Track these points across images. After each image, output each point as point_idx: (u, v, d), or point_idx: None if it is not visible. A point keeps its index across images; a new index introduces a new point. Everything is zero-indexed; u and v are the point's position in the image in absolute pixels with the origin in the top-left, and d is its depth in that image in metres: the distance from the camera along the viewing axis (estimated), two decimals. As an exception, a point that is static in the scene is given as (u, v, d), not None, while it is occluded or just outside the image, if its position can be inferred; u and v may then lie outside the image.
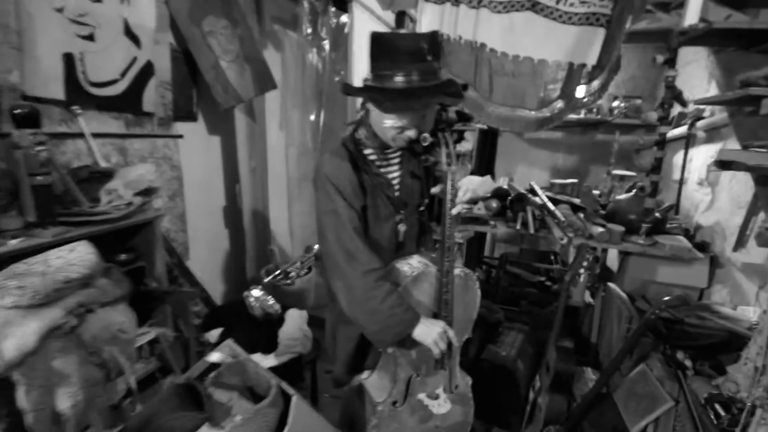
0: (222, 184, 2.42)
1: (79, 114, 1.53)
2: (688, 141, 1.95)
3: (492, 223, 2.13)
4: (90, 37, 1.51)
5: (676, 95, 1.63)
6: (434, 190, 1.20)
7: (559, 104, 2.32)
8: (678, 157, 2.71)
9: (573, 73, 2.23)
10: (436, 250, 1.22)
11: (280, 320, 1.83)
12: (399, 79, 1.01)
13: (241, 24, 1.94)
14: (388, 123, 1.06)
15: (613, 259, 2.41)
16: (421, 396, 1.29)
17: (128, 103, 1.71)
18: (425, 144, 1.03)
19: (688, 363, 1.58)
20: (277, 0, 2.50)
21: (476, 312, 1.28)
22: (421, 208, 1.29)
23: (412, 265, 1.18)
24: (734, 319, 1.62)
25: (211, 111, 2.24)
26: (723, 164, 1.22)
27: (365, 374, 1.32)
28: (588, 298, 2.33)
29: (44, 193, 1.21)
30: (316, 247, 2.43)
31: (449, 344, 1.15)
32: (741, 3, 1.67)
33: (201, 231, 2.26)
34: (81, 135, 1.55)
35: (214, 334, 1.68)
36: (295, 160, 2.89)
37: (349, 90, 1.18)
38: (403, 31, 2.94)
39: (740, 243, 1.85)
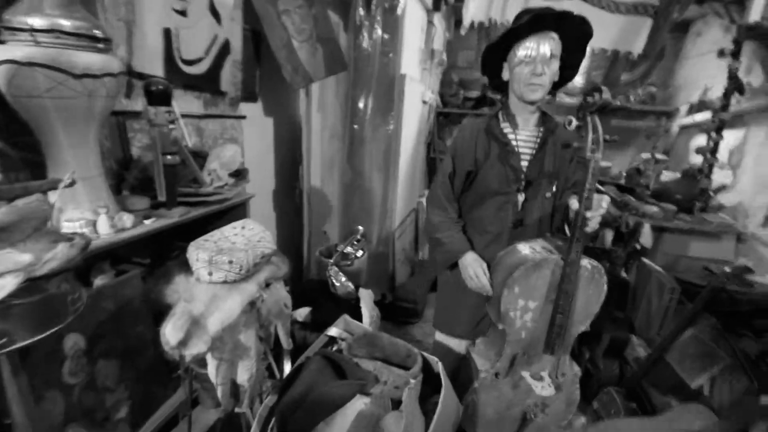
0: (273, 166, 2.40)
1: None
2: (722, 126, 2.11)
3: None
4: (183, 13, 1.47)
5: (737, 85, 1.77)
6: (573, 205, 1.12)
7: (606, 92, 2.44)
8: (693, 142, 2.93)
9: (618, 61, 2.36)
10: (563, 239, 1.24)
11: (357, 298, 1.89)
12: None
13: (316, 3, 1.91)
14: (520, 53, 1.17)
15: (645, 235, 2.60)
16: (525, 374, 1.34)
17: (209, 82, 1.68)
18: (570, 127, 1.10)
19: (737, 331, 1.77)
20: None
21: (598, 306, 1.25)
22: (548, 195, 1.34)
23: (535, 249, 1.24)
24: (772, 287, 1.82)
25: (270, 91, 2.21)
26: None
27: (477, 342, 1.43)
28: (622, 273, 2.51)
29: (172, 173, 1.20)
30: (360, 228, 2.49)
31: (560, 330, 1.21)
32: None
33: (255, 213, 2.25)
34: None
35: (302, 313, 1.71)
36: (327, 143, 2.89)
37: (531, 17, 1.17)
38: (440, 21, 2.96)
39: (769, 220, 2.06)
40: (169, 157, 1.17)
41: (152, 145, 1.15)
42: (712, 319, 1.83)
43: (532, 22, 1.14)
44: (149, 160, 1.30)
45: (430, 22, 3.01)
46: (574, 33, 1.20)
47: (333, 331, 1.37)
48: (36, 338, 0.65)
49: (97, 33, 0.95)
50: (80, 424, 1.12)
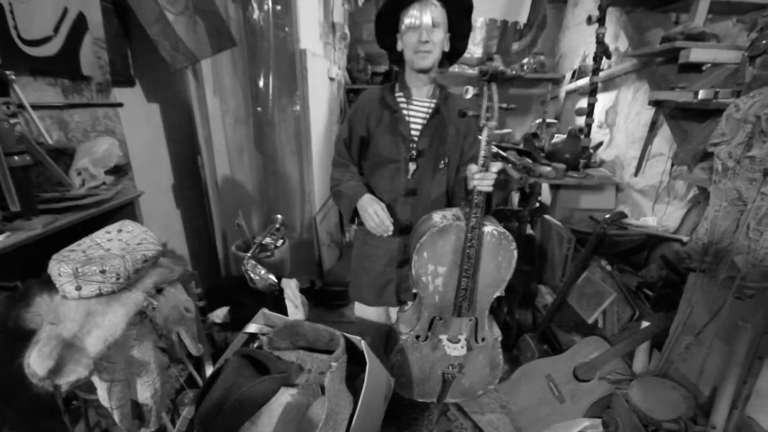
0: (168, 158, 2.16)
1: (14, 81, 1.24)
2: (595, 90, 2.37)
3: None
4: (14, -19, 1.21)
5: (604, 50, 1.97)
6: (470, 171, 1.16)
7: (497, 59, 2.57)
8: (578, 105, 3.25)
9: (507, 31, 2.49)
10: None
11: (280, 291, 1.81)
12: None
13: (189, -30, 1.70)
14: (406, 21, 1.21)
15: (545, 194, 2.85)
16: (442, 337, 1.43)
17: (65, 65, 1.42)
18: (468, 96, 1.12)
19: (608, 267, 2.04)
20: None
21: (510, 272, 1.30)
22: (441, 165, 1.39)
23: (445, 216, 1.28)
24: (644, 226, 2.13)
25: (149, 73, 1.96)
26: (657, 103, 1.57)
27: (405, 308, 1.47)
28: (528, 230, 2.75)
29: (24, 177, 1.01)
30: (279, 216, 2.38)
31: (466, 293, 1.28)
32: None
33: (155, 211, 2.03)
34: (19, 105, 1.26)
35: (220, 314, 1.60)
36: (232, 128, 2.69)
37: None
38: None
39: (639, 170, 2.38)
40: (16, 158, 0.98)
41: (-12, 144, 0.94)
42: (601, 260, 2.10)
43: None
44: (-8, 164, 1.07)
45: (327, -7, 2.88)
46: (456, 2, 1.22)
47: (252, 327, 1.30)
48: None
49: None
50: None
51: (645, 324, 1.67)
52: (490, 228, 1.23)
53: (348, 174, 1.41)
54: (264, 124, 2.60)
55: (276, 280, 1.76)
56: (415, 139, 1.34)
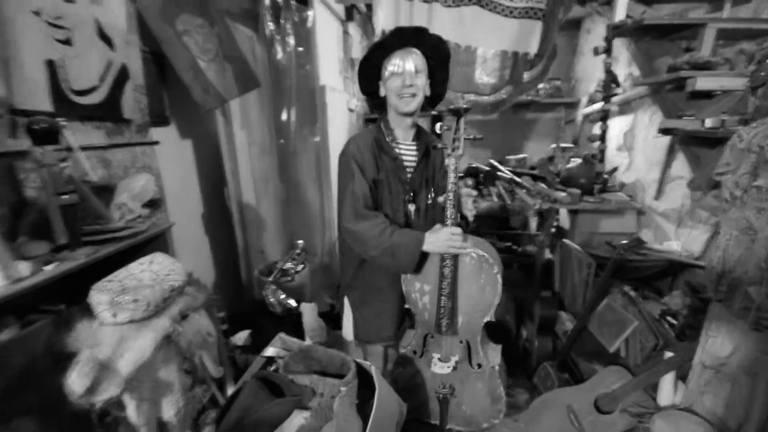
0: (198, 189, 2.32)
1: (65, 126, 1.40)
2: (607, 115, 2.38)
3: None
4: (67, 42, 1.38)
5: (613, 78, 2.00)
6: (440, 199, 1.35)
7: (509, 88, 2.64)
8: (596, 129, 3.25)
9: (518, 61, 2.55)
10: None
11: (298, 314, 1.88)
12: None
13: (218, 22, 1.88)
14: (390, 68, 1.28)
15: (563, 219, 2.83)
16: (435, 355, 1.49)
17: (109, 110, 1.59)
18: (439, 132, 1.22)
19: (632, 293, 2.00)
20: (228, -6, 2.42)
21: (497, 297, 1.34)
22: (429, 201, 1.46)
23: None
24: (667, 252, 2.08)
25: (182, 114, 2.13)
26: (665, 131, 1.58)
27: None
28: (548, 254, 2.72)
29: (71, 213, 1.13)
30: (300, 242, 2.48)
31: (445, 312, 1.34)
32: (645, 0, 2.09)
33: (185, 239, 2.17)
34: (68, 148, 1.42)
35: (241, 337, 1.68)
36: (257, 159, 2.85)
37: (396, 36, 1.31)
38: (356, 31, 3.06)
39: (660, 193, 2.35)
40: (65, 196, 1.11)
41: (44, 186, 1.07)
42: (623, 286, 2.05)
43: (395, 36, 1.28)
44: (45, 202, 1.21)
45: (345, 32, 3.06)
46: (435, 51, 1.32)
47: (270, 351, 1.36)
48: None
49: (-41, 74, 0.88)
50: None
51: (668, 354, 1.62)
52: (470, 250, 1.30)
53: (385, 223, 1.29)
54: (287, 155, 2.74)
55: (295, 305, 1.83)
56: (409, 181, 1.42)
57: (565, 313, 2.35)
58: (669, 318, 1.78)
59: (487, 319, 1.39)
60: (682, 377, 1.59)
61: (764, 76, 1.08)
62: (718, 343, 1.37)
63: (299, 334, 1.78)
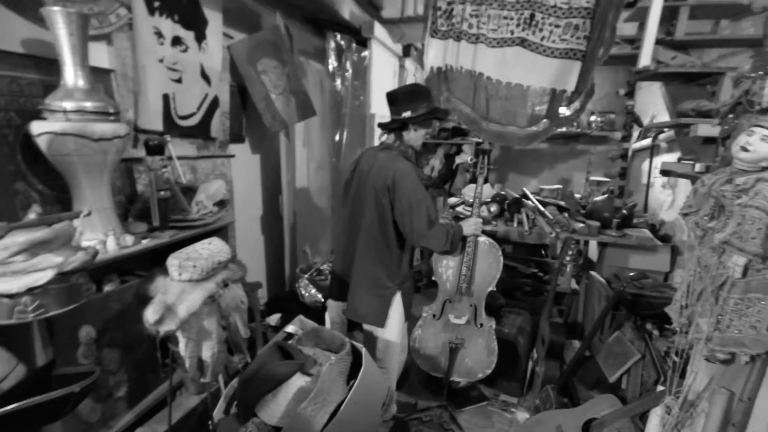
0: (260, 195, 2.80)
1: (169, 141, 1.91)
2: (653, 151, 2.41)
3: (494, 222, 2.57)
4: (179, 80, 1.90)
5: (634, 119, 2.09)
6: (468, 199, 1.89)
7: (545, 122, 2.78)
8: (645, 164, 3.21)
9: (555, 97, 2.69)
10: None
11: (323, 307, 2.22)
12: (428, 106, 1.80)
13: (288, 64, 2.35)
14: (423, 131, 1.81)
15: (593, 251, 2.86)
16: (450, 316, 2.06)
17: (201, 130, 2.10)
18: (472, 161, 1.57)
19: (653, 330, 2.01)
20: (303, 36, 2.93)
21: (499, 271, 1.98)
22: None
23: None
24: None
25: (255, 133, 2.63)
26: (664, 172, 1.66)
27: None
28: (574, 284, 2.77)
29: (164, 205, 1.59)
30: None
31: (465, 278, 1.96)
32: (683, 45, 2.15)
33: (245, 237, 2.64)
34: (169, 157, 1.93)
35: (274, 318, 2.05)
36: (314, 174, 3.31)
37: (439, 113, 1.94)
38: (411, 65, 3.44)
39: (692, 233, 2.31)
40: (162, 192, 1.57)
41: (149, 184, 1.54)
42: (635, 320, 2.08)
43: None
44: (149, 195, 1.70)
45: (402, 66, 3.44)
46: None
47: (290, 328, 1.70)
48: (62, 310, 1.02)
49: (110, 109, 1.37)
50: (90, 398, 1.48)
51: (660, 388, 1.66)
52: (484, 239, 1.99)
53: (444, 224, 1.79)
54: (339, 171, 3.16)
55: (321, 298, 2.16)
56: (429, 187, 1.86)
57: (579, 341, 2.39)
58: (673, 355, 1.79)
59: (490, 288, 2.00)
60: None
61: (727, 130, 1.18)
62: (699, 379, 1.43)
63: (320, 323, 2.10)
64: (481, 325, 2.01)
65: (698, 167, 1.40)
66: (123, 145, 1.42)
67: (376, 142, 3.07)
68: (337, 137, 2.94)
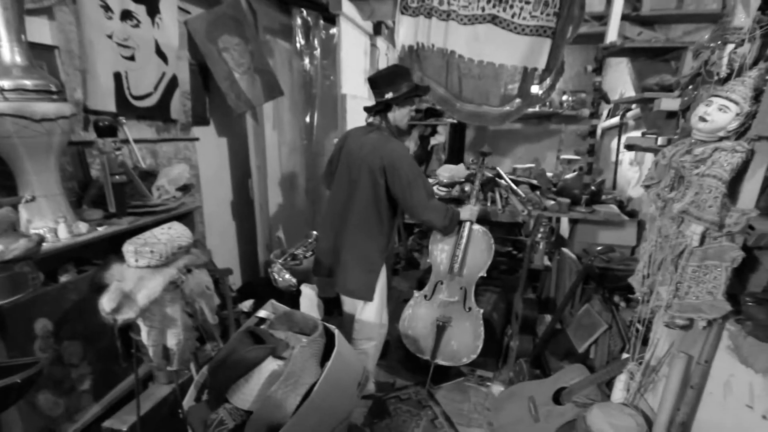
0: (230, 180, 2.71)
1: (124, 123, 1.81)
2: (621, 129, 2.45)
3: (467, 202, 2.57)
4: (132, 58, 1.79)
5: (602, 96, 2.10)
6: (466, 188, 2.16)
7: (518, 101, 2.78)
8: (614, 143, 3.27)
9: (527, 76, 2.69)
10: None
11: (297, 292, 2.18)
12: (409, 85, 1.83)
13: (251, 41, 2.24)
14: (407, 109, 1.84)
15: (565, 228, 2.92)
16: (441, 296, 2.13)
17: (160, 112, 1.99)
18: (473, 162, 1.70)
19: (620, 302, 2.08)
20: (268, 12, 2.80)
21: (490, 258, 2.05)
22: None
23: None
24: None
25: (220, 115, 2.53)
26: (629, 147, 1.69)
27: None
28: (547, 261, 2.82)
29: (120, 190, 1.51)
30: (314, 232, 2.79)
31: (457, 260, 2.05)
32: (649, 21, 2.17)
33: (215, 222, 2.56)
34: (125, 140, 1.83)
35: (247, 304, 2.01)
36: (286, 157, 3.22)
37: (420, 90, 1.91)
38: (383, 43, 3.36)
39: (657, 208, 2.38)
40: (117, 177, 1.48)
41: (102, 168, 1.46)
42: (603, 292, 2.14)
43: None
44: (104, 180, 1.60)
45: (373, 45, 3.35)
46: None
47: (262, 313, 1.66)
48: (7, 300, 0.95)
49: (52, 87, 1.27)
50: (50, 392, 1.41)
51: (625, 356, 1.72)
52: (478, 227, 2.08)
53: (445, 204, 1.97)
54: (309, 154, 3.08)
55: (295, 282, 2.13)
56: None
57: (551, 316, 2.46)
58: (638, 324, 1.86)
59: (481, 273, 2.07)
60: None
61: (687, 101, 1.19)
62: (660, 345, 1.48)
63: (295, 308, 2.08)
64: (470, 309, 2.07)
65: (660, 140, 1.42)
66: (69, 126, 1.33)
67: (350, 123, 3.01)
68: (307, 119, 2.86)
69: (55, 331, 1.41)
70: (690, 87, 1.19)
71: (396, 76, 1.83)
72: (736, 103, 1.04)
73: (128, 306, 1.12)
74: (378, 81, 1.83)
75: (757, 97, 1.03)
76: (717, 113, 1.07)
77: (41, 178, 1.33)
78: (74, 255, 1.54)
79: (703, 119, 1.09)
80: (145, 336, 1.21)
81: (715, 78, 1.11)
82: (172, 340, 1.26)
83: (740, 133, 1.08)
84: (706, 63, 1.12)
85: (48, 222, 1.34)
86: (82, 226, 1.39)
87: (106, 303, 1.08)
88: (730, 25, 1.11)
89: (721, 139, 1.10)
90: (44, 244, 1.21)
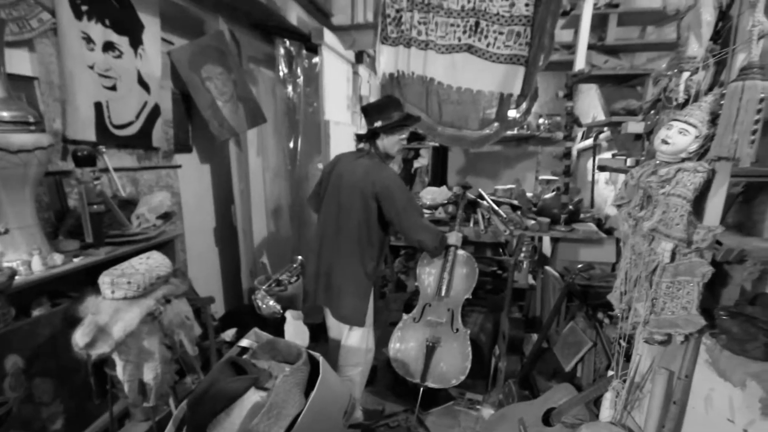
0: (212, 207, 2.69)
1: (104, 152, 1.80)
2: (595, 150, 2.55)
3: (451, 224, 2.61)
4: (113, 88, 1.80)
5: (574, 119, 2.20)
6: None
7: (496, 125, 2.88)
8: (589, 163, 3.39)
9: (504, 101, 2.79)
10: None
11: (282, 319, 2.15)
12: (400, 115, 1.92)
13: (234, 70, 2.28)
14: (396, 137, 1.89)
15: (547, 247, 2.97)
16: (429, 318, 2.16)
17: (141, 140, 1.99)
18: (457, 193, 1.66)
19: (604, 318, 2.11)
20: (252, 43, 2.86)
21: (474, 281, 2.13)
22: None
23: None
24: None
25: (204, 142, 2.54)
26: (601, 168, 1.76)
27: None
28: (531, 280, 2.85)
29: (98, 219, 1.49)
30: (299, 257, 2.77)
31: (448, 284, 2.13)
32: (614, 50, 2.30)
33: (197, 250, 2.52)
34: (105, 169, 1.82)
35: (229, 333, 1.96)
36: (270, 183, 3.23)
37: (408, 120, 1.97)
38: (365, 71, 3.45)
39: (633, 225, 2.46)
40: (95, 206, 1.46)
41: (79, 197, 1.44)
42: (587, 310, 2.17)
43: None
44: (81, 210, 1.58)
45: (355, 73, 3.45)
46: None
47: (245, 342, 1.62)
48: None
49: (30, 118, 1.26)
50: (18, 433, 1.34)
51: (611, 373, 1.73)
52: (462, 252, 2.17)
53: (436, 229, 2.02)
54: (294, 179, 3.10)
55: (280, 309, 2.10)
56: None
57: (538, 335, 2.46)
58: (621, 341, 1.88)
59: (466, 296, 2.13)
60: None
61: (650, 125, 1.26)
62: (642, 361, 1.50)
63: (280, 336, 2.04)
64: (457, 330, 2.10)
65: (629, 162, 1.49)
66: (46, 157, 1.32)
67: (333, 149, 3.05)
68: (291, 144, 2.89)
69: (26, 368, 1.35)
70: (652, 112, 1.26)
71: (386, 106, 1.93)
72: (695, 126, 1.10)
73: (103, 340, 1.08)
74: (369, 110, 1.94)
75: (713, 120, 1.09)
76: (678, 136, 1.13)
77: (16, 210, 1.30)
78: (49, 288, 1.49)
79: (665, 142, 1.15)
80: (120, 371, 1.16)
81: (674, 103, 1.18)
82: (149, 374, 1.22)
83: (701, 154, 1.14)
84: (665, 89, 1.19)
85: (22, 254, 1.30)
86: (57, 258, 1.35)
87: (80, 337, 1.05)
88: (684, 55, 1.19)
89: (683, 160, 1.16)
90: (17, 277, 1.18)
